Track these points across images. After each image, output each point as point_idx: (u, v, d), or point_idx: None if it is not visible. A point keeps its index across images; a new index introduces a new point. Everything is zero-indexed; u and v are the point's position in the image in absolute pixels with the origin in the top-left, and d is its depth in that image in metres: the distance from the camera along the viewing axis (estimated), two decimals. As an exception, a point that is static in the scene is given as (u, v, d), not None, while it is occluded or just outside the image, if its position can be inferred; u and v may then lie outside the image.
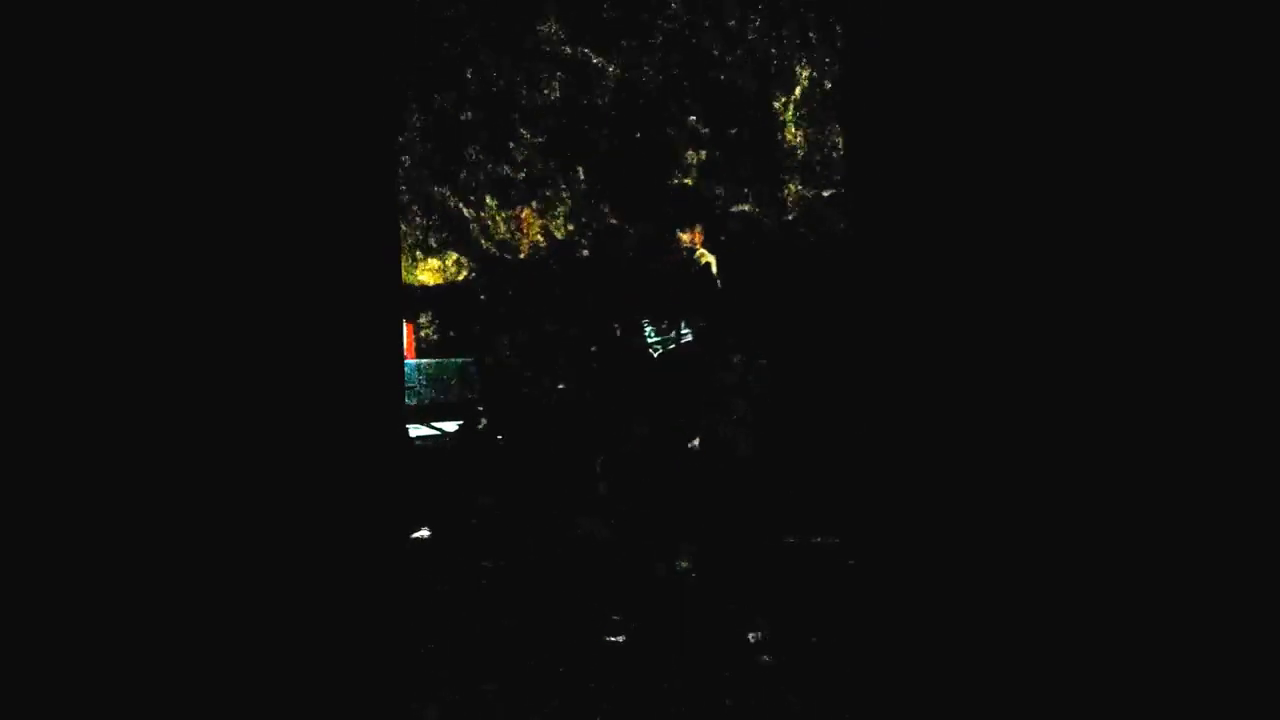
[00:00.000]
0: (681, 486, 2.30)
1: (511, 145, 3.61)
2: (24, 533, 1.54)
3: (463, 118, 3.60)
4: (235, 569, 1.63)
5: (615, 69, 3.54)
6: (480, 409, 3.90)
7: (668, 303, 2.30)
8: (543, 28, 3.47)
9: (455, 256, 3.61)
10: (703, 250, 2.32)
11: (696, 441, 2.35)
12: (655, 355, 2.33)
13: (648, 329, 2.29)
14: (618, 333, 2.35)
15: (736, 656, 2.27)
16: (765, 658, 2.23)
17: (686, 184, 3.50)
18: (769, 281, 2.54)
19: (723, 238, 2.48)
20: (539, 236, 3.61)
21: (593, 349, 3.59)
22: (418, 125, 3.25)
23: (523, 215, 3.59)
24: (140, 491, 1.59)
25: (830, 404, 3.12)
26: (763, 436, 2.93)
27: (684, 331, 2.33)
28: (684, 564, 2.56)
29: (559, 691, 2.13)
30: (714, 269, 2.32)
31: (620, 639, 2.38)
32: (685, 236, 2.35)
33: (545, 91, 3.55)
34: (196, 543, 1.61)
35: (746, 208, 3.58)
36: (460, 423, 4.03)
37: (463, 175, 3.59)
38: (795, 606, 2.45)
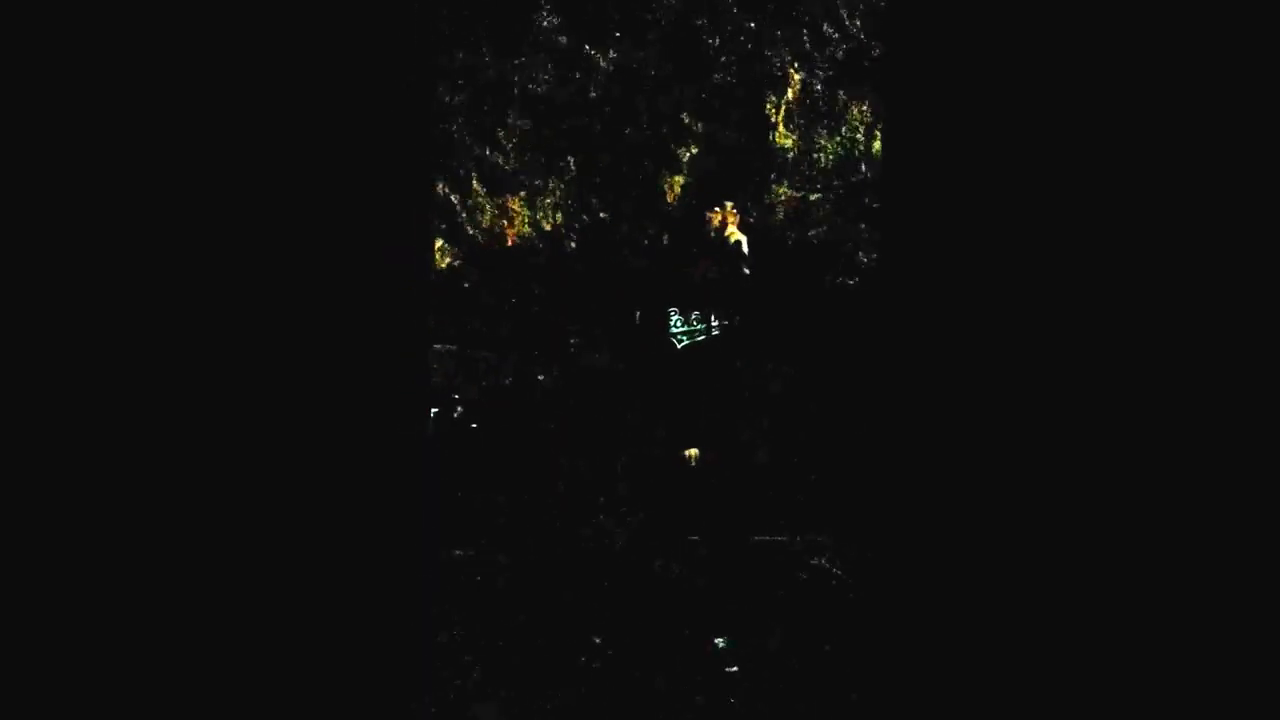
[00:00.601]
0: (694, 490, 2.29)
1: (500, 132, 3.57)
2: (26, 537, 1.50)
3: (452, 101, 3.55)
4: (260, 552, 1.60)
5: (608, 62, 3.53)
6: (455, 397, 3.86)
7: (694, 291, 2.22)
8: (540, 16, 3.44)
9: (440, 243, 3.55)
10: (734, 229, 2.22)
11: (694, 451, 2.34)
12: (679, 348, 2.27)
13: (675, 318, 2.22)
14: (637, 321, 2.27)
15: (747, 659, 2.30)
16: (732, 667, 2.26)
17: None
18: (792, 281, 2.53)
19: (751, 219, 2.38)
20: (526, 228, 3.58)
21: (572, 342, 3.59)
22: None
23: (511, 205, 3.56)
24: (163, 475, 1.55)
25: (849, 411, 3.17)
26: (781, 444, 2.97)
27: (714, 324, 2.26)
28: (684, 567, 2.57)
29: (558, 691, 2.14)
30: (745, 249, 2.22)
31: (620, 640, 2.39)
32: (715, 216, 2.26)
33: (537, 79, 3.52)
34: (216, 527, 1.58)
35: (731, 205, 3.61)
36: (434, 410, 3.98)
37: (451, 161, 3.54)
38: (807, 611, 2.49)
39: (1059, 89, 1.54)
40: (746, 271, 2.13)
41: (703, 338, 2.21)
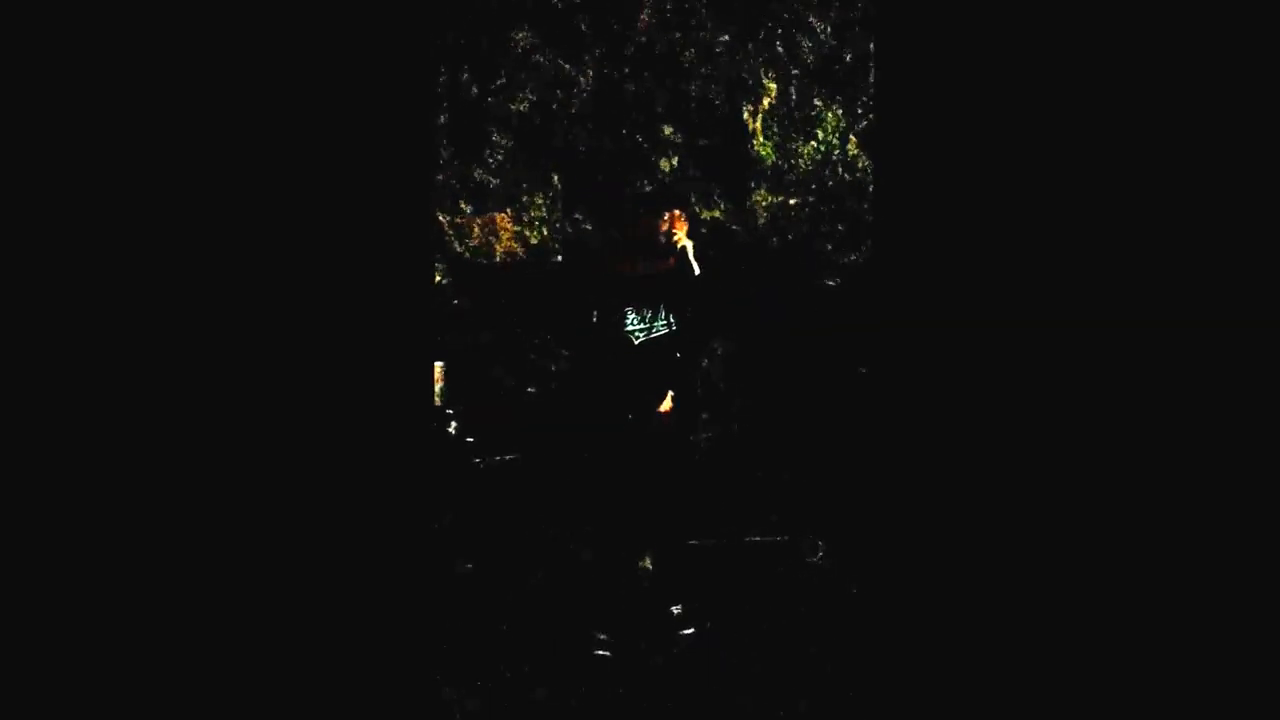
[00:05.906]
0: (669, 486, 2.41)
1: (486, 151, 3.63)
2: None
3: (437, 121, 3.61)
4: (270, 551, 1.64)
5: (587, 79, 3.60)
6: (449, 412, 3.91)
7: (649, 289, 2.45)
8: (518, 35, 3.51)
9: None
10: (680, 235, 2.48)
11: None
12: (636, 344, 2.48)
13: (630, 316, 2.44)
14: (594, 319, 2.49)
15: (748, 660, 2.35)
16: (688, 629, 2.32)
17: (655, 185, 3.58)
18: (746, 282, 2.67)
19: (703, 229, 2.59)
20: (513, 243, 3.65)
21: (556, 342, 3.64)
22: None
23: (498, 220, 3.62)
24: (173, 473, 1.59)
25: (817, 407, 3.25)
26: (750, 435, 3.05)
27: (664, 321, 2.47)
28: (648, 564, 2.60)
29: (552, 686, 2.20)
30: (690, 253, 2.49)
31: (614, 643, 2.44)
32: (663, 223, 2.49)
33: (520, 98, 3.59)
34: (224, 526, 1.61)
35: (718, 214, 3.68)
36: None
37: (437, 179, 3.60)
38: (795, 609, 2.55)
39: (1047, 88, 1.58)
40: (697, 272, 2.40)
41: (663, 333, 2.44)
